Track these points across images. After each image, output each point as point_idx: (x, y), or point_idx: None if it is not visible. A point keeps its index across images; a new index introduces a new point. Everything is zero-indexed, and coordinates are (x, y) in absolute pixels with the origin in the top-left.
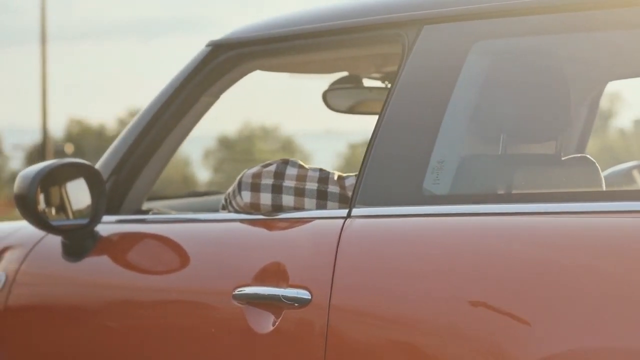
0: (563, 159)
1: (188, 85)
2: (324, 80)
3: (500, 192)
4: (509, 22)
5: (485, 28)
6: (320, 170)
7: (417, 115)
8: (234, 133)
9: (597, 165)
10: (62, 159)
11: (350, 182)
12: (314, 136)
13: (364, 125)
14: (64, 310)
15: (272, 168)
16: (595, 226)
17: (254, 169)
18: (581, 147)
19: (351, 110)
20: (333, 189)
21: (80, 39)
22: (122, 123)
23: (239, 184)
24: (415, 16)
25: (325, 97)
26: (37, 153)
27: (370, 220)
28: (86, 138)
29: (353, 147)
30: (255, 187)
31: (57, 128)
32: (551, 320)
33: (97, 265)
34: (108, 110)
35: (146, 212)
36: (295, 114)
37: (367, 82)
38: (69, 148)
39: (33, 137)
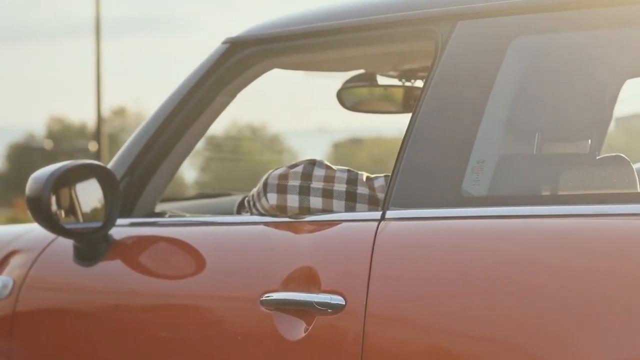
0: (598, 158)
1: (204, 84)
2: (318, 78)
3: (543, 193)
4: (549, 17)
5: (525, 23)
6: (349, 171)
7: (454, 113)
8: (222, 132)
9: (632, 164)
10: (75, 160)
11: (379, 183)
12: (306, 134)
13: (358, 123)
14: (77, 317)
15: (299, 169)
16: None
17: (280, 170)
18: (598, 146)
19: (366, 109)
20: (362, 190)
21: (47, 38)
22: (105, 121)
23: (265, 185)
24: (449, 11)
25: (339, 95)
26: (17, 153)
27: (406, 223)
28: (67, 136)
29: (342, 145)
30: (282, 189)
31: (38, 126)
32: (598, 329)
33: (112, 269)
34: (86, 108)
35: (160, 214)
36: (287, 111)
37: (383, 80)
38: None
39: (15, 136)
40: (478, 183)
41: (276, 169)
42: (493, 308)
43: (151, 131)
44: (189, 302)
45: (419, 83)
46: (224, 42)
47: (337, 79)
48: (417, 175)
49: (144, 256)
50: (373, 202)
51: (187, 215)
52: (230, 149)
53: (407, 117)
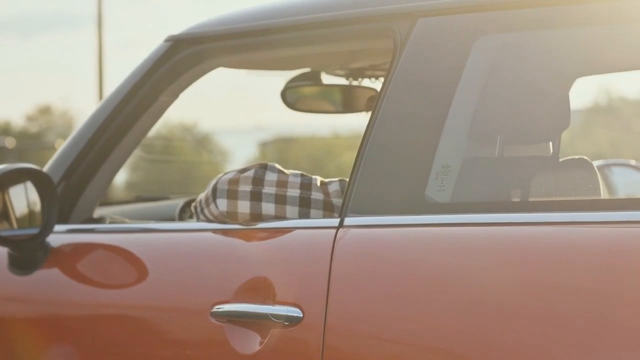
0: (560, 160)
1: (145, 84)
2: (260, 76)
3: (511, 199)
4: (516, 14)
5: (490, 21)
6: (302, 175)
7: (415, 115)
8: (152, 131)
9: (595, 167)
10: (10, 164)
11: (334, 188)
12: (243, 132)
13: (299, 122)
14: (13, 329)
15: (250, 173)
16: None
17: (230, 175)
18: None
19: (311, 109)
20: (317, 195)
21: None
22: (30, 119)
23: (214, 190)
24: (409, 8)
25: (283, 94)
26: None
27: (366, 231)
28: None
29: (273, 144)
30: (233, 195)
31: None
32: (564, 340)
33: (50, 279)
34: (7, 107)
35: (99, 220)
36: (224, 109)
37: (329, 79)
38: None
39: None
40: (443, 189)
41: (226, 173)
42: (460, 321)
43: (90, 133)
44: (133, 313)
45: (367, 82)
46: (167, 40)
47: (278, 77)
48: (377, 181)
49: (84, 265)
50: (328, 208)
51: (127, 220)
52: (161, 149)
53: (350, 116)
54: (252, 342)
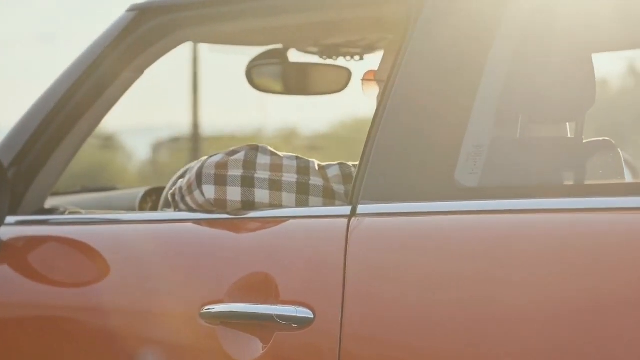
0: (585, 142)
1: (106, 59)
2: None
3: (552, 184)
4: None
5: None
6: (297, 158)
7: (442, 89)
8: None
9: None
10: None
11: (334, 172)
12: (153, 131)
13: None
14: None
15: (241, 156)
16: None
17: (217, 158)
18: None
19: (280, 90)
20: (316, 180)
21: None
22: None
23: (199, 175)
24: None
25: (249, 74)
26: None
27: (385, 220)
28: None
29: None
30: (221, 180)
31: None
32: (594, 329)
33: (3, 277)
34: None
35: (52, 211)
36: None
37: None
38: None
39: None
40: (476, 172)
41: (212, 156)
42: (497, 322)
43: (43, 113)
44: (103, 317)
45: (341, 61)
46: (130, 10)
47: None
48: (396, 163)
49: (41, 262)
50: (328, 196)
51: (83, 211)
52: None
53: (249, 115)
54: (252, 348)
